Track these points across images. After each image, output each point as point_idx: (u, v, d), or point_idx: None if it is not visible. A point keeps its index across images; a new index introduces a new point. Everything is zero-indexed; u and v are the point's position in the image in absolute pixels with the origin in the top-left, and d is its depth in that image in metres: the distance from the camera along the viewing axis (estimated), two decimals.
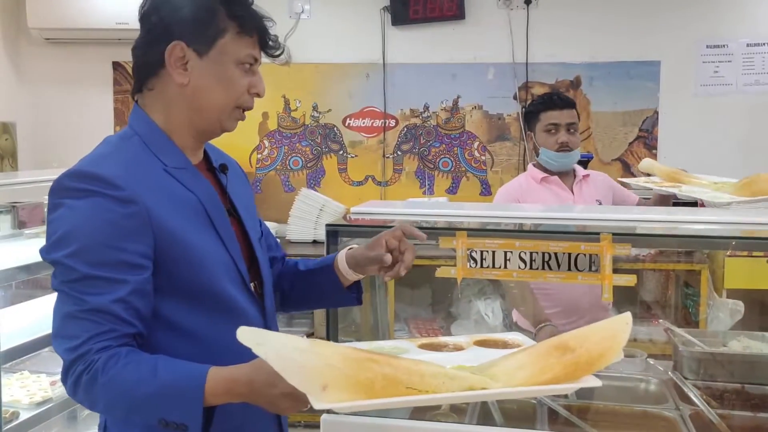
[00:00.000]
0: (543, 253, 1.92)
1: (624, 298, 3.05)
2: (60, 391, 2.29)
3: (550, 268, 1.92)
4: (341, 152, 4.62)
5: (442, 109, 4.53)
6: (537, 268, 1.93)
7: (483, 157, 4.55)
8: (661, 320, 2.70)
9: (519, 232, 1.98)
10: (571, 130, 2.68)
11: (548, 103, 2.73)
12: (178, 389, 1.19)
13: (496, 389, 1.14)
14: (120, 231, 1.23)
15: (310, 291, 1.66)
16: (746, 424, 2.01)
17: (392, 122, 4.57)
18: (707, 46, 4.32)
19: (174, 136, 1.38)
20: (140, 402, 1.20)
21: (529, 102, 3.50)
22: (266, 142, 4.64)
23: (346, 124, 4.58)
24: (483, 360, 1.26)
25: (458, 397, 1.13)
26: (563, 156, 2.70)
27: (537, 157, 2.79)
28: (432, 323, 4.19)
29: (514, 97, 4.47)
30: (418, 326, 4.19)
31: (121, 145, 1.36)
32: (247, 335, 1.10)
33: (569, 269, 1.91)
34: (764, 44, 4.28)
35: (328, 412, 1.10)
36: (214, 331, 1.33)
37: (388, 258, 1.48)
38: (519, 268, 1.95)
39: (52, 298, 1.28)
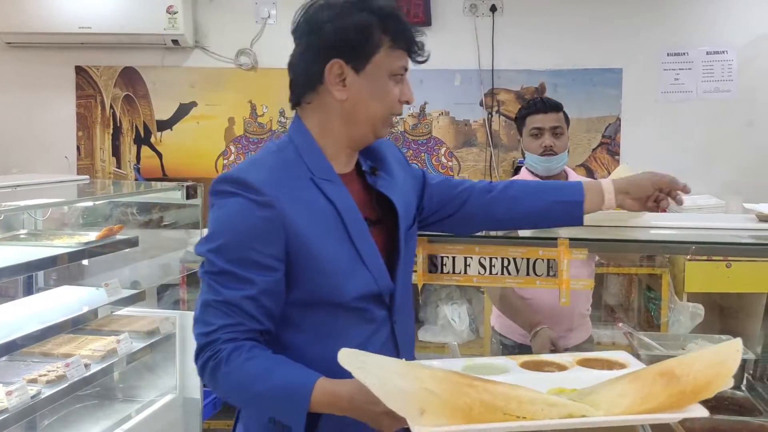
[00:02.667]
0: (502, 258, 1.94)
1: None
2: (16, 401, 2.25)
3: (509, 274, 1.94)
4: None
5: (409, 115, 4.55)
6: (496, 274, 1.95)
7: (450, 163, 4.57)
8: (621, 323, 2.73)
9: (479, 237, 1.99)
10: (556, 134, 2.65)
11: (533, 107, 2.70)
12: (286, 393, 1.27)
13: (596, 417, 1.10)
14: (255, 233, 1.33)
15: (534, 212, 1.71)
16: (704, 425, 2.04)
17: None
18: (668, 54, 4.39)
19: (327, 148, 1.46)
20: (252, 398, 1.31)
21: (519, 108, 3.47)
22: (232, 148, 4.61)
23: None
24: (585, 382, 1.23)
25: (557, 425, 1.11)
26: (546, 160, 2.66)
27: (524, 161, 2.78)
28: None
29: (480, 104, 4.50)
30: None
31: (275, 152, 1.45)
32: (347, 358, 1.14)
33: (528, 274, 1.93)
34: (723, 52, 4.36)
35: None
36: (338, 336, 1.38)
37: (679, 183, 1.64)
38: (479, 273, 1.96)
39: (7, 307, 1.26)
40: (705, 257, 3.42)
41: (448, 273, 1.99)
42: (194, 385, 3.19)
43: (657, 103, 4.41)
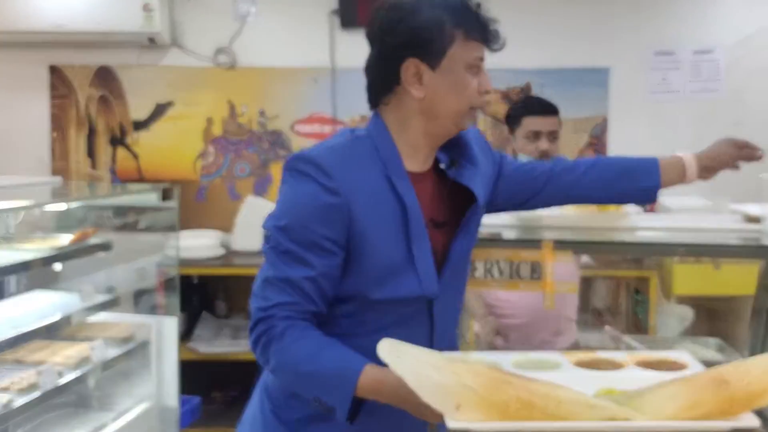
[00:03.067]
0: (485, 261, 1.89)
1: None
2: None
3: (492, 276, 1.89)
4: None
5: None
6: (480, 277, 1.90)
7: None
8: (608, 327, 2.68)
9: None
10: (553, 138, 2.60)
11: (530, 108, 2.64)
12: (334, 376, 1.30)
13: (639, 422, 1.08)
14: (321, 216, 1.36)
15: (610, 197, 1.74)
16: None
17: (341, 128, 4.49)
18: (655, 54, 4.35)
19: (405, 146, 1.46)
20: (301, 377, 1.34)
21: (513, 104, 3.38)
22: (211, 149, 4.51)
23: (295, 130, 4.49)
24: (637, 383, 1.20)
25: (596, 427, 1.08)
26: None
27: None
28: None
29: None
30: None
31: (353, 140, 1.46)
32: (386, 349, 1.18)
33: (511, 277, 1.87)
34: (710, 51, 4.33)
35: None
36: (372, 332, 1.37)
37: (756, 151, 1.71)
38: None
39: None
40: (693, 259, 3.39)
41: None
42: (171, 393, 3.14)
43: (645, 102, 4.37)
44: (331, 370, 1.31)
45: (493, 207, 1.69)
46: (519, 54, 4.35)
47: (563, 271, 1.93)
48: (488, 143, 1.70)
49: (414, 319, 1.46)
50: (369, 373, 1.28)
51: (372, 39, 1.46)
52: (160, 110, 4.50)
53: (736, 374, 1.12)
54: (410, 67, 1.40)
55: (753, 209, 2.11)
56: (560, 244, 1.85)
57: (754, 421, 1.11)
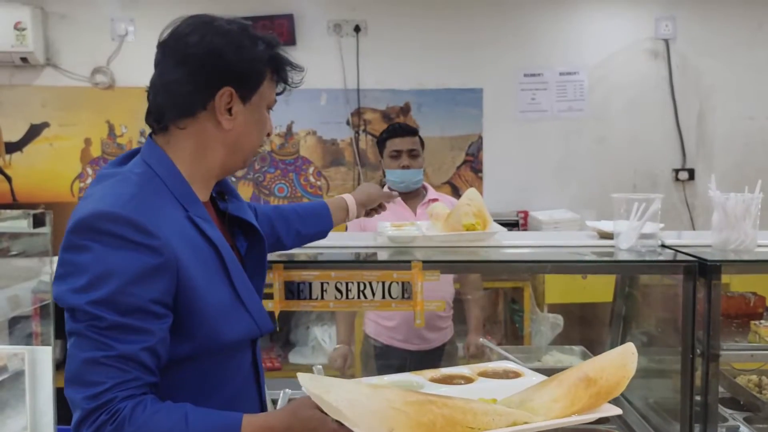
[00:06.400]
0: (358, 283, 1.95)
1: (456, 316, 3.14)
2: None
3: (365, 297, 1.95)
4: None
5: (276, 135, 4.51)
6: (353, 298, 1.96)
7: (318, 182, 4.57)
8: (482, 339, 2.81)
9: (335, 262, 1.99)
10: (413, 155, 3.00)
11: (392, 132, 3.07)
12: None
13: (539, 422, 1.21)
14: (147, 280, 1.22)
15: (310, 229, 1.87)
16: None
17: None
18: (525, 75, 4.58)
19: (197, 178, 1.38)
20: None
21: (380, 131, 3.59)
22: (89, 170, 4.41)
23: None
24: (506, 392, 1.35)
25: (514, 430, 1.20)
26: (403, 173, 2.98)
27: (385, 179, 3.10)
28: (269, 352, 4.13)
29: (347, 123, 4.53)
30: None
31: (145, 185, 1.31)
32: (311, 383, 1.18)
33: (383, 297, 1.94)
34: (575, 73, 4.60)
35: None
36: (209, 380, 1.34)
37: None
38: (335, 298, 1.96)
39: None
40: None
41: (305, 299, 1.98)
42: (47, 424, 3.01)
43: (515, 121, 4.59)
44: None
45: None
46: (397, 74, 4.52)
47: (437, 286, 2.03)
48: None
49: (245, 359, 1.43)
50: (251, 422, 1.21)
51: (184, 58, 1.34)
52: (34, 131, 4.36)
53: (596, 372, 1.28)
54: (225, 95, 1.34)
55: (605, 225, 2.25)
56: (429, 264, 1.93)
57: (617, 410, 1.29)
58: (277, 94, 1.46)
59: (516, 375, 1.52)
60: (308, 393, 1.21)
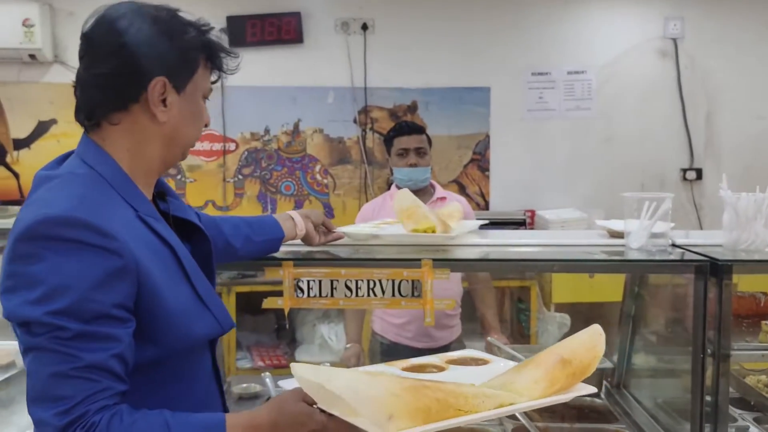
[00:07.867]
0: (368, 281, 1.95)
1: (464, 314, 3.14)
2: None
3: (375, 295, 1.95)
4: (179, 176, 4.49)
5: (283, 133, 4.51)
6: (363, 296, 1.95)
7: (325, 180, 4.57)
8: (489, 338, 2.81)
9: (344, 260, 1.99)
10: (420, 153, 3.01)
11: (399, 130, 3.08)
12: None
13: (524, 403, 1.28)
14: (108, 285, 1.16)
15: (261, 236, 1.81)
16: None
17: (232, 146, 4.50)
18: (532, 74, 4.58)
19: (138, 175, 1.32)
20: None
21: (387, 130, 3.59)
22: None
23: None
24: (481, 377, 1.39)
25: (497, 413, 1.26)
26: (411, 171, 3.00)
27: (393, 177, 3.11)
28: (276, 350, 4.13)
29: (354, 121, 4.53)
30: (261, 354, 4.12)
31: (92, 186, 1.24)
32: (310, 372, 1.17)
33: (393, 295, 1.94)
34: (583, 72, 4.59)
35: None
36: (177, 383, 1.31)
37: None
38: (345, 296, 1.96)
39: None
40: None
41: (314, 297, 1.97)
42: None
43: (523, 120, 4.59)
44: None
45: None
46: (404, 73, 4.52)
47: (446, 285, 2.03)
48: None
49: (206, 359, 1.40)
50: (235, 421, 1.19)
51: (109, 50, 1.26)
52: (42, 128, 4.36)
53: (569, 353, 1.33)
54: (158, 86, 1.27)
55: (615, 225, 2.24)
56: (439, 263, 1.93)
57: (592, 389, 1.35)
58: (212, 82, 1.40)
59: (484, 362, 1.60)
60: (305, 383, 1.19)
